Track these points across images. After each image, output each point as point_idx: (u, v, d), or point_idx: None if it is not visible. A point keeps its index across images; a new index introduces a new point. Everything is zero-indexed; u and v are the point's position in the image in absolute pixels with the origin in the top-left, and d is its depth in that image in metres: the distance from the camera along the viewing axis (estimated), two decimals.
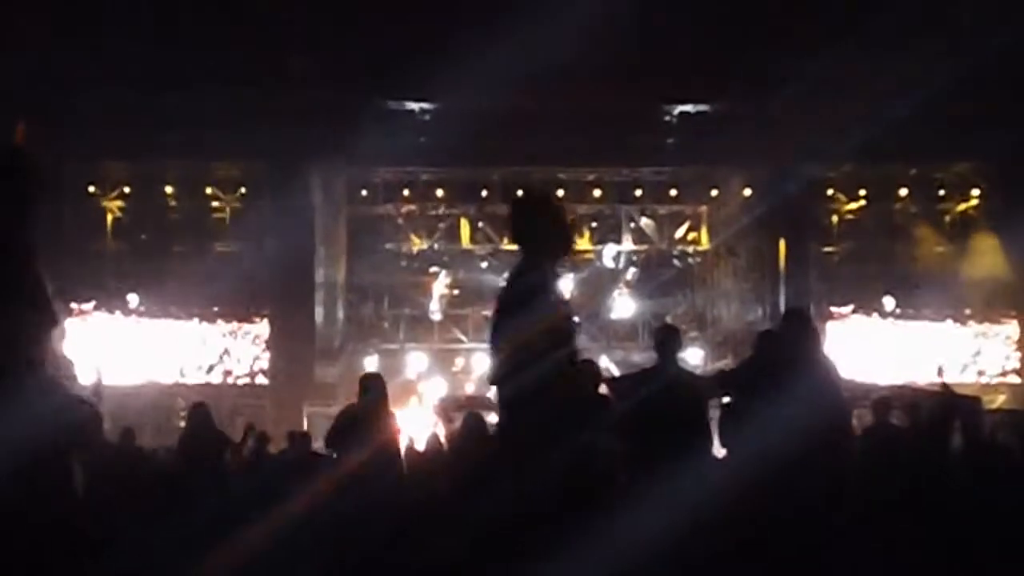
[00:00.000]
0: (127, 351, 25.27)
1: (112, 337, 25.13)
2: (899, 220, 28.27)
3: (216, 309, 26.81)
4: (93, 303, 25.57)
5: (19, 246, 1.95)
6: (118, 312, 26.14)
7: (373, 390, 11.03)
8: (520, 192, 8.34)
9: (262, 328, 27.00)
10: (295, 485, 9.86)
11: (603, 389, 9.63)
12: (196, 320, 26.84)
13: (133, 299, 26.13)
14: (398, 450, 11.46)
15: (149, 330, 26.48)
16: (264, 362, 26.92)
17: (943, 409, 13.69)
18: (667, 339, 9.39)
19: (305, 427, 22.48)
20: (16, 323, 1.74)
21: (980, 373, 27.00)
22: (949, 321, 27.56)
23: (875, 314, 27.43)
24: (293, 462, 15.22)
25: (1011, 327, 27.44)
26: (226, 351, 26.83)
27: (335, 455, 11.14)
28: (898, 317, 27.47)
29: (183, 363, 26.47)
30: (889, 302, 27.39)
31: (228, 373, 26.67)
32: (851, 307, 27.43)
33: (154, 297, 26.15)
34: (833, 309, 27.30)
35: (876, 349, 26.38)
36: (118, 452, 13.30)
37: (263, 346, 26.94)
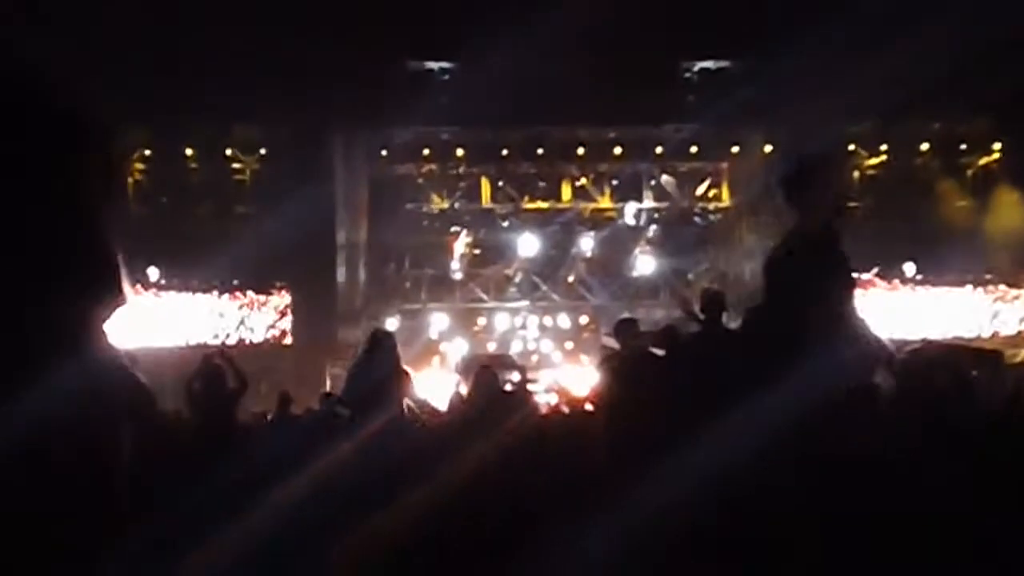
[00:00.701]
0: (148, 323, 25.31)
1: (134, 310, 25.15)
2: (921, 175, 28.17)
3: (236, 282, 26.87)
4: None
5: (104, 223, 1.93)
6: (139, 286, 26.17)
7: (385, 347, 10.92)
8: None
9: (282, 300, 27.07)
10: (320, 446, 9.86)
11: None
12: (216, 293, 26.92)
13: (153, 272, 26.14)
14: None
15: (169, 303, 26.56)
16: (287, 324, 27.02)
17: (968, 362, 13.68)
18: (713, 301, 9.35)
19: (328, 388, 22.63)
20: (94, 303, 1.73)
21: (995, 335, 27.01)
22: (969, 287, 27.62)
23: (896, 280, 27.43)
24: (321, 422, 15.29)
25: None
26: (242, 322, 26.90)
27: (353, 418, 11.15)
28: (918, 283, 27.54)
29: (204, 334, 26.50)
30: (910, 268, 27.43)
31: (246, 342, 26.69)
32: (874, 270, 27.35)
33: (176, 268, 26.18)
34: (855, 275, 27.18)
35: (898, 314, 26.37)
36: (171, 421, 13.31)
37: (285, 311, 27.02)
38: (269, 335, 26.93)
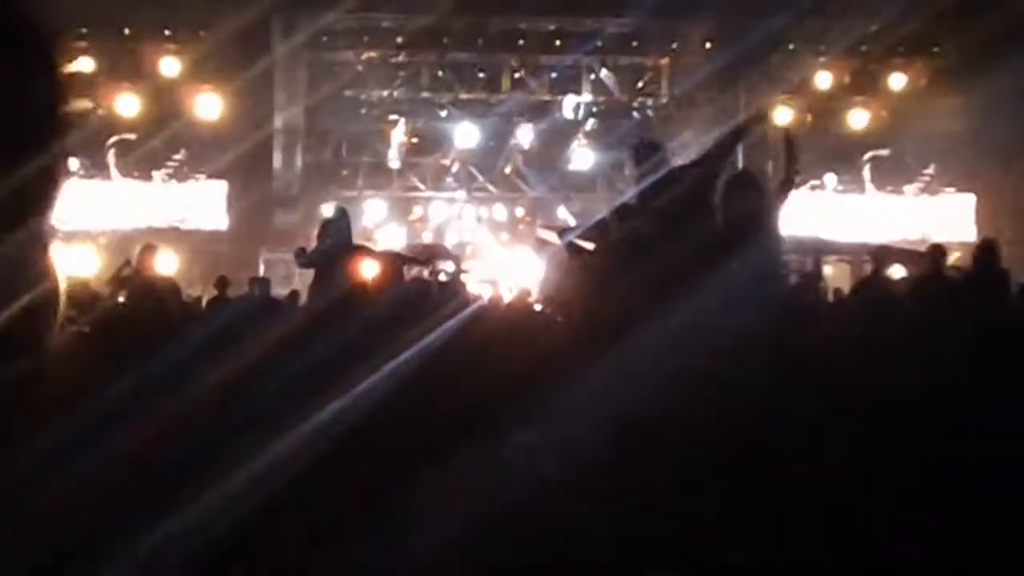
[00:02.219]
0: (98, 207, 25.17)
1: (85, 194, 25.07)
2: (861, 76, 28.26)
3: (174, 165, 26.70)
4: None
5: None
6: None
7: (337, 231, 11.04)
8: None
9: (219, 185, 26.85)
10: (257, 329, 9.93)
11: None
12: (161, 178, 26.72)
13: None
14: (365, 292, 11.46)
15: (116, 188, 26.32)
16: (222, 207, 26.86)
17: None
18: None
19: (262, 272, 22.64)
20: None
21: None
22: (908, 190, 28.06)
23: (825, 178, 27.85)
24: (256, 306, 15.36)
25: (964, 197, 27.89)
26: (186, 207, 26.69)
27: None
28: (846, 188, 28.06)
29: (146, 217, 26.22)
30: (831, 179, 27.87)
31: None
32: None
33: (127, 153, 25.95)
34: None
35: (828, 218, 26.73)
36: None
37: (223, 196, 26.84)
38: (207, 220, 26.77)
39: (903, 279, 16.02)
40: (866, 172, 28.15)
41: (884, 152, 27.79)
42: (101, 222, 24.76)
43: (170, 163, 26.62)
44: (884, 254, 14.55)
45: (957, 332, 9.14)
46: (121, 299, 12.88)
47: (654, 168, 7.94)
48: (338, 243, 10.90)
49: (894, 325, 10.69)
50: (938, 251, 13.12)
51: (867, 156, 27.97)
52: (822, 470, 5.70)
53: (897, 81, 27.63)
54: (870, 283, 13.96)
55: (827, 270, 21.12)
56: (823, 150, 26.18)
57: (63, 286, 1.42)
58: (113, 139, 25.66)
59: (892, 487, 5.40)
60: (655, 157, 8.09)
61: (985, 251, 12.11)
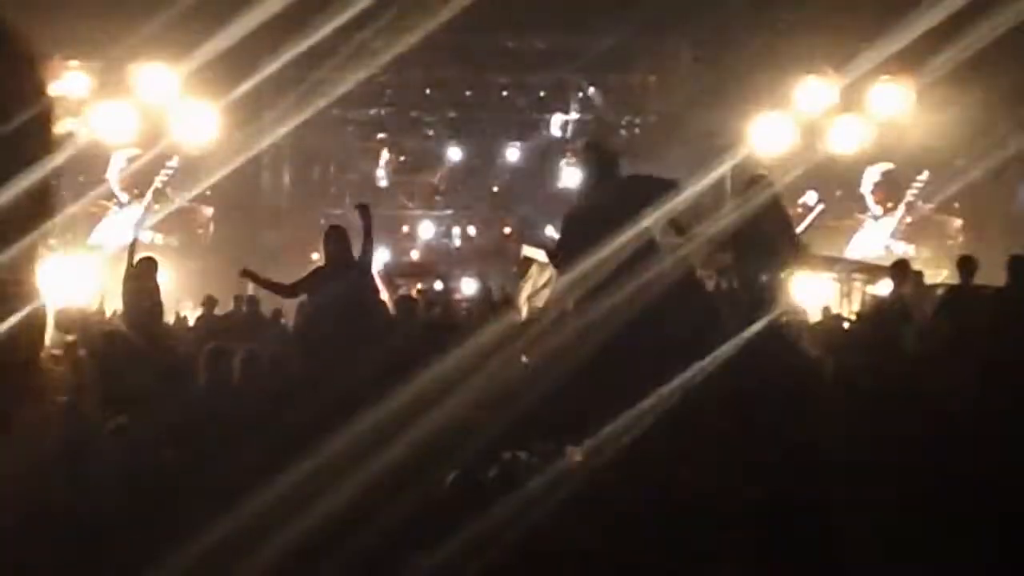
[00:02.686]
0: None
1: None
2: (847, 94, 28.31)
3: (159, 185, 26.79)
4: None
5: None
6: None
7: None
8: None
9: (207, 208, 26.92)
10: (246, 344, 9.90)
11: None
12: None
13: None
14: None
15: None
16: (209, 225, 26.90)
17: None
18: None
19: (250, 292, 22.58)
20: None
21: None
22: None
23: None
24: (244, 323, 15.38)
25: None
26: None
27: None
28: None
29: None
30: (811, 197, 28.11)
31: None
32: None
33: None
34: None
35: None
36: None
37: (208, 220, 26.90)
38: (192, 238, 26.78)
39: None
40: (866, 188, 28.25)
41: (888, 166, 27.94)
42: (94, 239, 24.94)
43: (158, 181, 26.65)
44: (903, 268, 14.24)
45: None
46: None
47: (597, 169, 7.94)
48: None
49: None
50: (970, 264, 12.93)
51: (868, 172, 28.13)
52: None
53: (885, 97, 27.65)
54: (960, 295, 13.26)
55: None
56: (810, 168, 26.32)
57: (51, 308, 1.40)
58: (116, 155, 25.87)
59: None
60: (595, 158, 8.09)
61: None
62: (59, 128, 1.45)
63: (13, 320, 1.28)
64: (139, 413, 7.15)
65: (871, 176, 28.24)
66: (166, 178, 26.78)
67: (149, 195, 26.58)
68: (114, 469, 6.03)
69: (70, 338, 9.58)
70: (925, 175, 28.17)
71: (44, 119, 1.36)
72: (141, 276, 12.53)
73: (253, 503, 4.97)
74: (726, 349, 6.90)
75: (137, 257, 12.60)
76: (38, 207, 1.34)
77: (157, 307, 12.69)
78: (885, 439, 6.32)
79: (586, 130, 30.50)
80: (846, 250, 27.22)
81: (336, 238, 11.05)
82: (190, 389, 8.47)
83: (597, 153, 8.21)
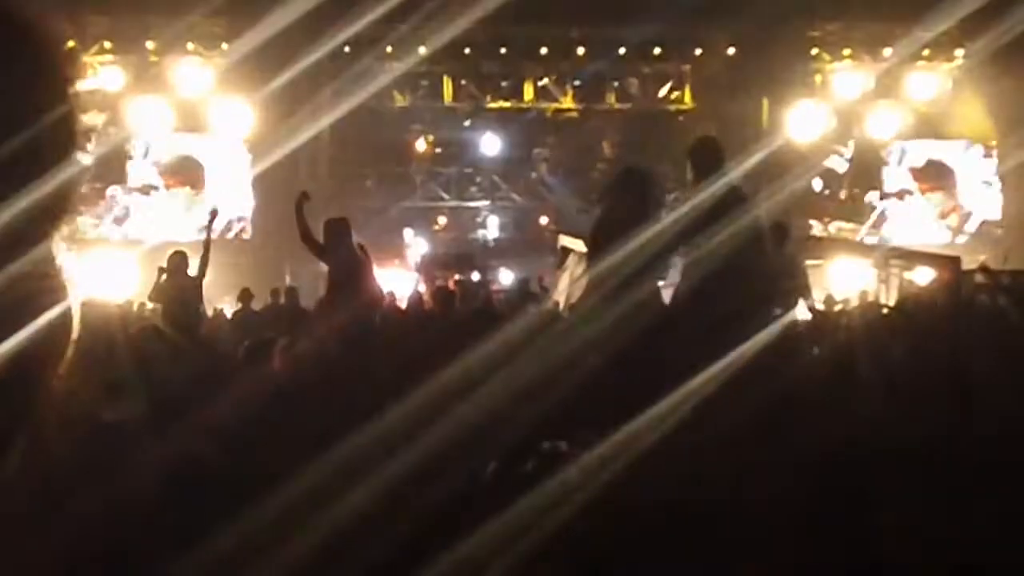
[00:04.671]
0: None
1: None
2: (883, 80, 28.17)
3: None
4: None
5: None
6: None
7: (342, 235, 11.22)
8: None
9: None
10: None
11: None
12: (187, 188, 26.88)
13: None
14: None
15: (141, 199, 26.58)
16: (247, 217, 26.98)
17: None
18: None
19: (288, 282, 22.66)
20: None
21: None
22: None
23: None
24: (283, 315, 15.43)
25: None
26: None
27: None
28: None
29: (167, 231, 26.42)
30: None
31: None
32: None
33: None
34: None
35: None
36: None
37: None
38: (231, 231, 26.85)
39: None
40: (905, 172, 28.09)
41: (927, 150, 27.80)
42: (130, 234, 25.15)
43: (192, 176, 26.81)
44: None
45: None
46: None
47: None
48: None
49: None
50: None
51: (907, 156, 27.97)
52: None
53: (922, 84, 27.52)
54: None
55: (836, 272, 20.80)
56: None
57: (77, 308, 1.40)
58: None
59: None
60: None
61: None
62: (90, 123, 1.46)
63: (42, 318, 1.28)
64: (176, 410, 7.17)
65: (910, 161, 28.01)
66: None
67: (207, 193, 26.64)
68: (149, 467, 6.06)
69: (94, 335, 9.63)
70: (966, 159, 27.95)
71: (71, 116, 1.36)
72: (175, 271, 12.63)
73: (289, 494, 4.99)
74: (762, 337, 6.88)
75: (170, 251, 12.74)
76: (66, 201, 1.35)
77: (195, 302, 12.77)
78: (927, 430, 6.27)
79: (623, 120, 30.46)
80: (883, 236, 27.09)
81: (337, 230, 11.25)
82: (229, 384, 8.49)
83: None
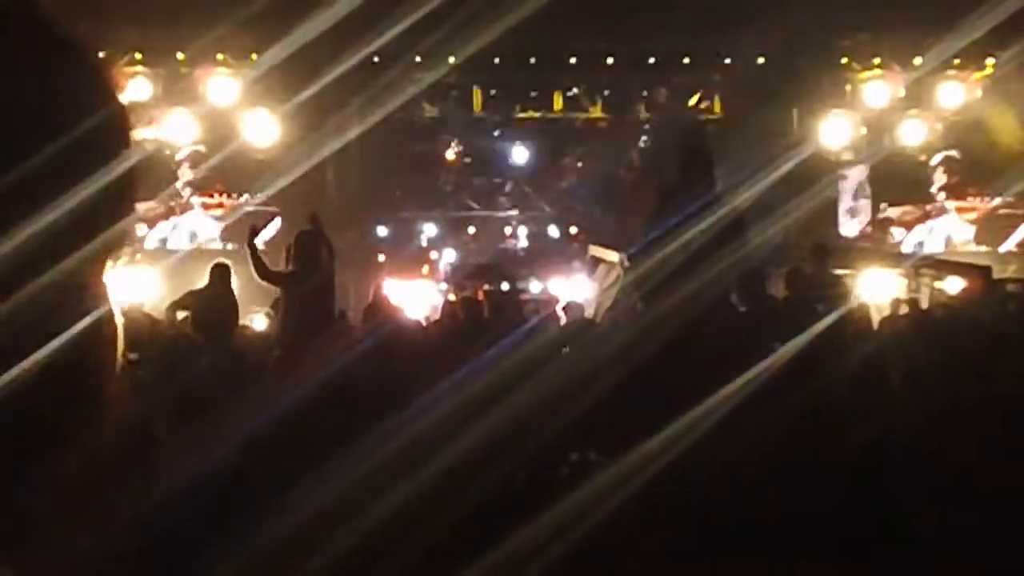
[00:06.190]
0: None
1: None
2: (913, 90, 28.06)
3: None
4: None
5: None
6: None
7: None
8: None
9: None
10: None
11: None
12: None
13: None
14: None
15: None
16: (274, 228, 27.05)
17: None
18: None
19: None
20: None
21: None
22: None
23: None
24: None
25: None
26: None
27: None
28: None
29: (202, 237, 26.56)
30: None
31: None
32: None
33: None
34: None
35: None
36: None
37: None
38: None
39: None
40: (935, 182, 27.92)
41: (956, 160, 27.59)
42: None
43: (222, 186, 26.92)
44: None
45: None
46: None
47: (700, 180, 7.67)
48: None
49: None
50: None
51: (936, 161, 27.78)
52: None
53: (951, 93, 27.39)
54: None
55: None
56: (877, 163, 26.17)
57: (120, 316, 1.40)
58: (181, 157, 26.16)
59: None
60: (700, 165, 7.91)
61: None
62: (134, 132, 1.47)
63: (78, 327, 1.28)
64: (209, 421, 7.22)
65: (939, 170, 27.86)
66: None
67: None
68: (184, 479, 6.10)
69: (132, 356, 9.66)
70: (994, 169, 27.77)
71: (117, 121, 1.37)
72: (215, 283, 12.70)
73: (322, 501, 5.02)
74: (791, 347, 6.88)
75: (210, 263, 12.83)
76: (110, 210, 1.35)
77: (232, 315, 12.83)
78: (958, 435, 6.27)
79: (653, 130, 30.45)
80: (912, 245, 26.95)
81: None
82: (259, 395, 8.54)
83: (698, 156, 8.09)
